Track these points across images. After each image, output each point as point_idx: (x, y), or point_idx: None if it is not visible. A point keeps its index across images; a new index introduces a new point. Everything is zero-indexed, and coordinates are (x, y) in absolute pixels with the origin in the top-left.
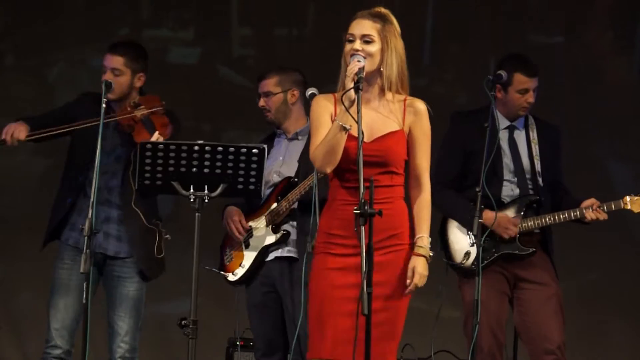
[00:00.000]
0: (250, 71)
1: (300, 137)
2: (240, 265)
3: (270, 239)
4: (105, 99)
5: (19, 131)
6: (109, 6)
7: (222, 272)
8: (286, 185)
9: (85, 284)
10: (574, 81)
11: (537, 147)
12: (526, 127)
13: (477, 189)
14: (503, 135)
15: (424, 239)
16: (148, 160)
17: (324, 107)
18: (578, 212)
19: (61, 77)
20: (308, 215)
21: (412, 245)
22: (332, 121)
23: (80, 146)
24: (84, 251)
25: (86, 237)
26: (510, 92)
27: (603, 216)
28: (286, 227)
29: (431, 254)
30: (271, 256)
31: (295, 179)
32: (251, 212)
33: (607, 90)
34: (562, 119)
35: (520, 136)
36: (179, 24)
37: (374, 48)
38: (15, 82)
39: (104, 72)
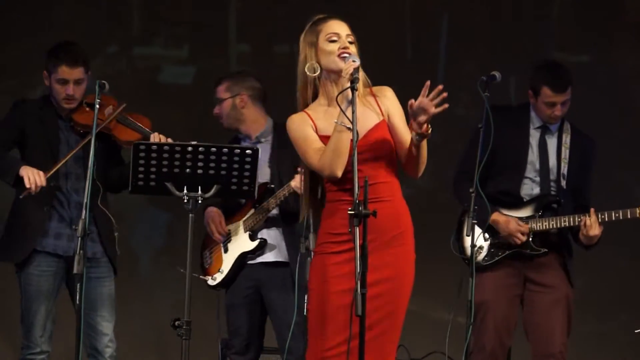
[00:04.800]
0: None
1: (263, 140)
2: (219, 270)
3: (248, 245)
4: (98, 100)
5: (39, 178)
6: (96, 22)
7: (201, 277)
8: (263, 192)
9: (78, 285)
10: (600, 102)
11: (567, 151)
12: (560, 131)
13: (471, 190)
14: (534, 134)
15: None
16: (142, 161)
17: (302, 122)
18: (576, 219)
19: None
20: (292, 222)
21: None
22: (316, 132)
23: (37, 155)
24: (77, 252)
25: (79, 239)
26: (539, 102)
27: (596, 226)
28: (263, 233)
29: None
30: (256, 261)
31: (272, 185)
32: (229, 216)
33: (635, 112)
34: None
35: (552, 137)
36: (171, 40)
37: (355, 49)
38: None
39: (61, 84)
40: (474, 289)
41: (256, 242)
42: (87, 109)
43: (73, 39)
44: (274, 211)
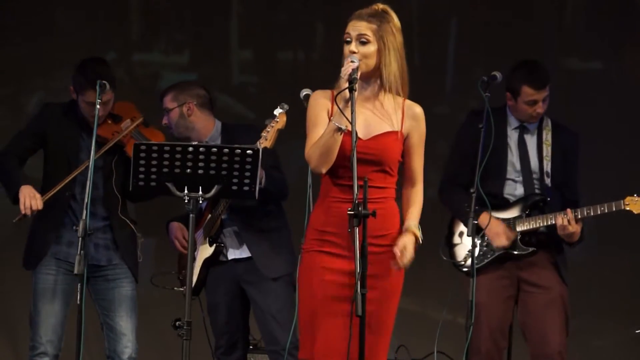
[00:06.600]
0: (252, 99)
1: (212, 143)
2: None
3: (208, 252)
4: (99, 100)
5: (35, 202)
6: (95, 27)
7: (175, 288)
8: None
9: (79, 286)
10: (612, 108)
11: (549, 148)
12: (539, 128)
13: (472, 190)
14: (512, 135)
15: (413, 220)
16: (142, 162)
17: (321, 104)
18: (553, 218)
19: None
20: (247, 213)
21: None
22: (329, 118)
23: (57, 162)
24: (78, 252)
25: (80, 239)
26: (519, 103)
27: (572, 224)
28: (224, 237)
29: (421, 237)
30: (230, 257)
31: None
32: (196, 225)
33: None
34: (598, 148)
35: (531, 136)
36: (172, 46)
37: (370, 49)
38: None
39: (90, 105)
40: (468, 292)
41: (213, 248)
42: (109, 120)
43: (72, 45)
44: (224, 215)
